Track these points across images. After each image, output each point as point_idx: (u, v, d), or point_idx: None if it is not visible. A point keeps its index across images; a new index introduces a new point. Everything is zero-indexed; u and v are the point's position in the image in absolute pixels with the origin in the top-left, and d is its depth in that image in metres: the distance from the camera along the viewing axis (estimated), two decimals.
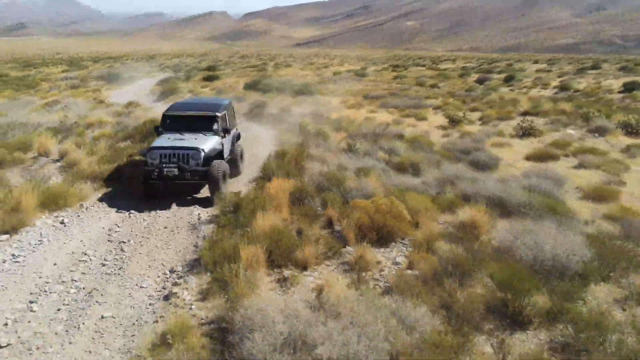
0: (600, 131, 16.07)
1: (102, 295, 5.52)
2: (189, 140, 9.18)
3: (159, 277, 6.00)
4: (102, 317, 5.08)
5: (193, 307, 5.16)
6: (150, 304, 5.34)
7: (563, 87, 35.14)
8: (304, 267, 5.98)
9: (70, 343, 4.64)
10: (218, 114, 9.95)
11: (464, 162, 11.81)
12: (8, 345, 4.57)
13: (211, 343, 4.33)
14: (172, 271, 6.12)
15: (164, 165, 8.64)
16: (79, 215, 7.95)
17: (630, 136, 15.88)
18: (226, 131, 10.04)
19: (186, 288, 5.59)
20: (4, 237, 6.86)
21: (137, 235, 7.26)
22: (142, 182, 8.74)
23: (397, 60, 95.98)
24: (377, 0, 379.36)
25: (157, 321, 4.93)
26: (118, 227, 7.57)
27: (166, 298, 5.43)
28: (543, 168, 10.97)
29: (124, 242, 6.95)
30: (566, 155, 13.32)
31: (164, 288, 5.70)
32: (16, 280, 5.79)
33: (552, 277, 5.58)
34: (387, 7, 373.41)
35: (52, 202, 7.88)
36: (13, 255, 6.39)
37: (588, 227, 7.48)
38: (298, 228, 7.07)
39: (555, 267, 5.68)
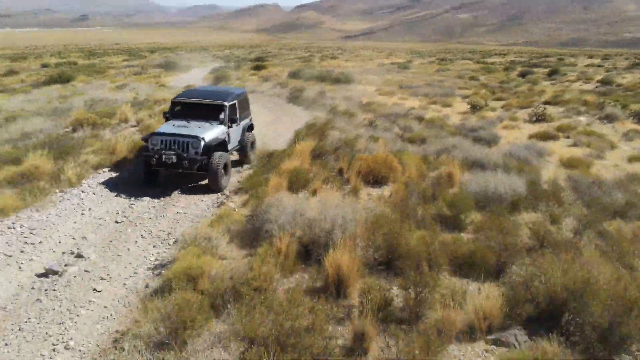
0: (610, 119, 17.50)
1: (177, 201, 8.34)
2: (192, 128, 9.18)
3: (214, 197, 8.73)
4: (177, 212, 7.85)
5: (236, 209, 7.82)
6: (208, 208, 8.08)
7: (605, 82, 35.53)
8: (313, 193, 8.50)
9: (159, 223, 7.43)
10: (226, 103, 9.94)
11: (468, 138, 13.87)
12: (122, 220, 7.41)
13: (247, 222, 6.96)
14: (222, 194, 8.83)
15: (162, 152, 8.69)
16: None
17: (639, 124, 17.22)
18: (233, 121, 10.03)
19: (232, 201, 8.27)
20: (106, 169, 9.85)
21: None
22: (144, 167, 8.97)
23: (446, 53, 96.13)
24: None
25: (212, 215, 7.64)
26: None
27: (219, 206, 8.14)
28: (533, 144, 12.91)
29: None
30: (567, 137, 15.05)
31: (217, 201, 8.42)
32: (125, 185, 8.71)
33: (492, 204, 7.79)
34: None
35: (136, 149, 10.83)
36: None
37: (544, 182, 9.52)
38: (314, 173, 9.59)
39: (495, 198, 7.89)
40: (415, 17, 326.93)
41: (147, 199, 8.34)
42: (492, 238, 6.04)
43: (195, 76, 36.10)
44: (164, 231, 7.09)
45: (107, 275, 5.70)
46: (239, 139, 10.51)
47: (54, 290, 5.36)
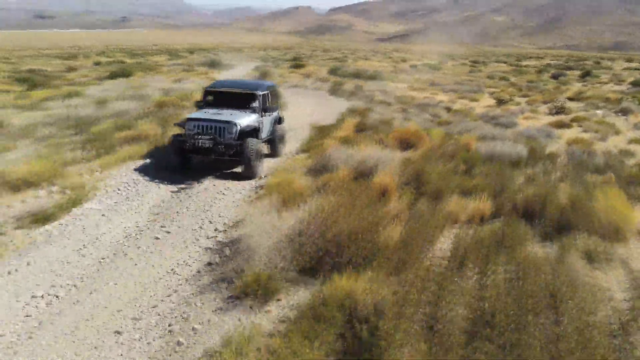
0: (625, 112, 19.34)
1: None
2: (225, 114, 9.56)
3: (287, 152, 11.41)
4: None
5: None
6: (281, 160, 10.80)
7: (636, 83, 36.66)
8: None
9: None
10: (259, 92, 10.39)
11: (489, 124, 16.14)
12: (179, 191, 10.17)
13: (312, 165, 9.60)
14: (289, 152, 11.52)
15: (198, 136, 8.99)
16: None
17: None
18: (265, 110, 10.43)
19: (296, 158, 10.94)
20: None
21: None
22: (177, 152, 9.26)
23: (479, 56, 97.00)
24: None
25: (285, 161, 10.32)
26: None
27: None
28: (545, 128, 15.09)
29: None
30: (579, 126, 17.08)
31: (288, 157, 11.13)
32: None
33: (495, 162, 10.14)
34: (477, 1, 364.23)
35: None
36: None
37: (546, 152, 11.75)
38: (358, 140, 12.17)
39: (501, 158, 10.26)
40: (449, 20, 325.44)
41: None
42: (491, 177, 8.47)
43: (238, 73, 39.27)
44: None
45: (227, 188, 8.46)
46: (270, 129, 10.96)
47: (191, 197, 8.13)
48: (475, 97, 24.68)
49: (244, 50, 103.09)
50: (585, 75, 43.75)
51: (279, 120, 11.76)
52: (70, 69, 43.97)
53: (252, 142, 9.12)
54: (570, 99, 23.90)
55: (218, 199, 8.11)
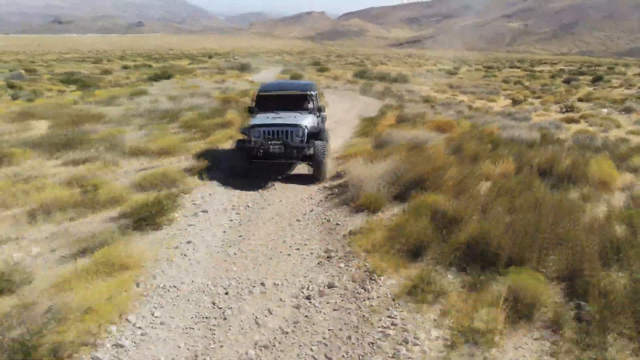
0: (628, 110, 21.92)
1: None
2: (288, 118, 9.68)
3: (342, 137, 14.28)
4: None
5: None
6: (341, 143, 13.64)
7: None
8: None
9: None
10: (312, 93, 10.66)
11: (507, 118, 18.84)
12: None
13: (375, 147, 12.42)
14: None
15: (269, 142, 9.05)
16: None
17: None
18: (320, 110, 10.75)
19: (355, 141, 13.77)
20: None
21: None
22: (246, 160, 9.30)
23: (494, 62, 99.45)
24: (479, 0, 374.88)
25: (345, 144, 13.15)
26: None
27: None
28: (555, 121, 17.78)
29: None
30: (586, 121, 19.70)
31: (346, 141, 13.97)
32: None
33: (514, 144, 12.87)
34: (490, 7, 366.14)
35: None
36: None
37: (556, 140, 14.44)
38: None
39: (519, 140, 13.00)
40: (463, 26, 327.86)
41: None
42: (512, 151, 11.23)
43: (267, 76, 42.38)
44: None
45: None
46: (323, 128, 11.21)
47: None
48: (492, 98, 27.39)
49: (260, 55, 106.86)
50: (597, 80, 46.01)
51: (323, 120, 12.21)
52: (106, 72, 47.38)
53: (320, 144, 9.29)
54: (580, 100, 26.51)
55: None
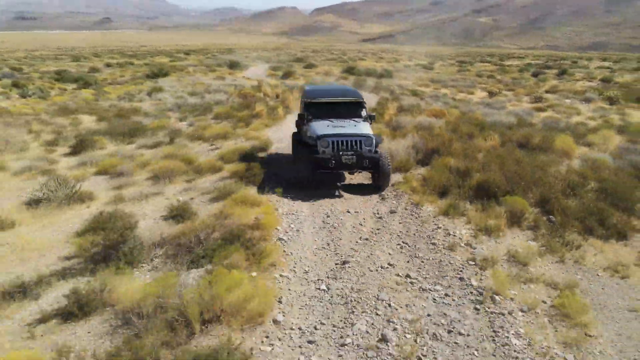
0: (588, 100, 25.57)
1: None
2: (349, 126, 9.58)
3: None
4: None
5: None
6: None
7: (605, 80, 43.27)
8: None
9: None
10: (364, 100, 10.59)
11: (487, 108, 22.13)
12: None
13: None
14: None
15: (340, 153, 9.00)
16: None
17: (609, 104, 25.21)
18: (372, 118, 10.52)
19: None
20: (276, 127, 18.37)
21: None
22: (312, 170, 9.18)
23: (465, 56, 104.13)
24: None
25: None
26: None
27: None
28: (527, 109, 21.16)
29: None
30: (552, 109, 23.18)
31: None
32: None
33: (497, 127, 16.05)
34: (460, 2, 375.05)
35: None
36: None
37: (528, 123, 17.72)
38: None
39: (500, 124, 16.19)
40: (434, 21, 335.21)
41: None
42: (496, 131, 14.38)
43: (256, 72, 44.96)
44: None
45: None
46: None
47: None
48: (470, 91, 30.78)
49: (237, 51, 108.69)
50: (562, 73, 50.20)
51: None
52: (94, 70, 48.87)
53: (385, 153, 9.45)
54: (547, 91, 30.16)
55: None
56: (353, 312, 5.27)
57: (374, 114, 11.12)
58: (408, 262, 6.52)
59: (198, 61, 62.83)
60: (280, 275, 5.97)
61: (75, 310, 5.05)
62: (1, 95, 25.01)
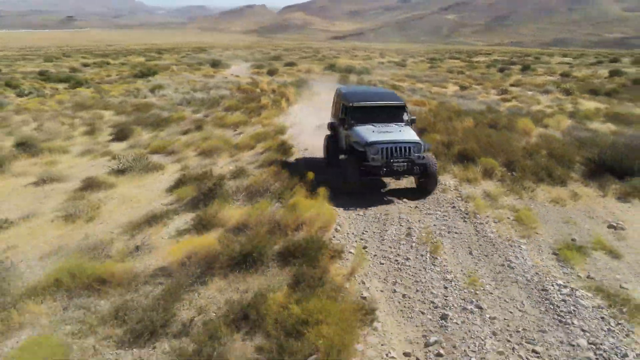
0: (547, 92, 29.13)
1: None
2: (395, 132, 9.59)
3: None
4: None
5: None
6: None
7: (564, 74, 47.36)
8: None
9: None
10: (405, 104, 10.53)
11: (460, 99, 25.30)
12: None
13: None
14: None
15: (392, 160, 9.03)
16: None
17: (565, 95, 28.82)
18: (413, 121, 10.46)
19: None
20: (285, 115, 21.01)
21: None
22: (360, 176, 9.19)
23: (434, 53, 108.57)
24: None
25: None
26: None
27: None
28: (494, 100, 24.44)
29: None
30: (516, 100, 26.55)
31: None
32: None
33: (470, 113, 19.11)
34: (428, 0, 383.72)
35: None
36: None
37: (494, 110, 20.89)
38: None
39: (473, 110, 19.28)
40: (403, 18, 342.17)
41: None
42: (470, 115, 17.42)
43: (239, 70, 47.24)
44: None
45: None
46: None
47: None
48: (444, 85, 34.05)
49: (210, 50, 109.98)
50: (525, 69, 54.27)
51: None
52: (74, 70, 50.01)
53: (432, 159, 9.55)
54: (512, 85, 33.71)
55: None
56: (385, 224, 8.05)
57: (414, 117, 10.97)
58: (416, 200, 9.35)
59: (175, 60, 64.48)
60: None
61: (201, 227, 7.62)
62: None
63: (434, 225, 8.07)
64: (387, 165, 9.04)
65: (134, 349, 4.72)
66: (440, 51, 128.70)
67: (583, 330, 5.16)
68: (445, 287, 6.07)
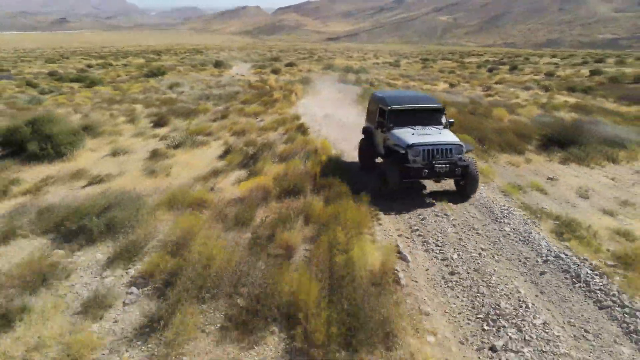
0: (527, 88, 32.49)
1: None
2: (435, 134, 9.78)
3: (353, 101, 23.19)
4: None
5: None
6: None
7: (549, 74, 50.80)
8: None
9: None
10: (443, 107, 10.71)
11: (449, 95, 28.56)
12: None
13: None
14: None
15: (434, 162, 9.19)
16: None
17: (544, 92, 32.17)
18: (451, 124, 10.65)
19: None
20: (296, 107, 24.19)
21: None
22: (397, 178, 9.37)
23: (427, 54, 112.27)
24: None
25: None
26: None
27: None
28: (478, 95, 27.74)
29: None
30: (498, 95, 29.86)
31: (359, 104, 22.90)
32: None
33: (455, 104, 22.35)
34: (422, 1, 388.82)
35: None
36: None
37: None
38: None
39: (458, 102, 22.52)
40: (396, 19, 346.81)
41: None
42: (455, 106, 20.66)
43: (242, 70, 50.37)
44: None
45: None
46: None
47: None
48: (435, 83, 37.38)
49: (205, 52, 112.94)
50: (513, 69, 57.72)
51: None
52: (82, 71, 52.77)
53: (473, 161, 9.67)
54: (497, 83, 37.11)
55: None
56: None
57: (452, 120, 11.23)
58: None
59: (177, 61, 67.40)
60: None
61: (252, 176, 10.76)
62: (22, 94, 29.26)
63: None
64: (428, 166, 9.19)
65: (233, 232, 7.85)
66: (433, 52, 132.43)
67: (509, 224, 8.40)
68: (426, 207, 9.28)
